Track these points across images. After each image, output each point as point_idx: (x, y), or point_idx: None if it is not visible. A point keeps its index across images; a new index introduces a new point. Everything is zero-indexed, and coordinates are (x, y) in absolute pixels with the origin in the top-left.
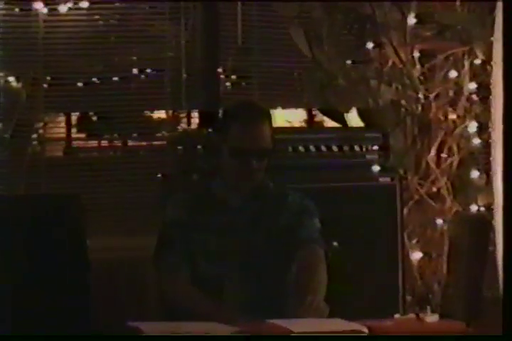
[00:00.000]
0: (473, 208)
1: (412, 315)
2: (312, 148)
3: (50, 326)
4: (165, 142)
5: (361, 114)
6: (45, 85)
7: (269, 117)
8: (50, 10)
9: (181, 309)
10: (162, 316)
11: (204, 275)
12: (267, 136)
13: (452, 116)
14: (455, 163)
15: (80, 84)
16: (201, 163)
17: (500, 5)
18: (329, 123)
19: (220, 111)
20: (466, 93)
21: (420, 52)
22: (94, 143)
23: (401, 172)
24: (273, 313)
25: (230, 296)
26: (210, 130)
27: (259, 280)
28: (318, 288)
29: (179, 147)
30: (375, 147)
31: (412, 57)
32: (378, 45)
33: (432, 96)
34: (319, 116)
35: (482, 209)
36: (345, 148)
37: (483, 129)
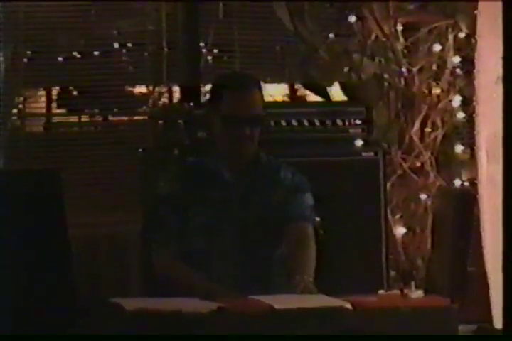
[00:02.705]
0: (457, 183)
1: (396, 291)
2: (294, 122)
3: (30, 304)
4: (146, 117)
5: (344, 88)
6: (25, 60)
7: (260, 86)
8: None
9: (169, 284)
10: (144, 292)
11: (194, 251)
12: (259, 104)
13: (436, 90)
14: (439, 138)
15: (60, 59)
16: (183, 137)
17: None
18: (312, 97)
19: (202, 85)
20: (449, 67)
21: (403, 25)
22: (74, 118)
23: (384, 146)
24: (261, 290)
25: (219, 272)
26: (191, 104)
27: (249, 257)
28: (306, 267)
29: (160, 122)
30: (358, 121)
31: (396, 30)
32: (361, 18)
33: (415, 70)
34: (302, 91)
35: (466, 183)
36: (328, 122)
37: (467, 103)
